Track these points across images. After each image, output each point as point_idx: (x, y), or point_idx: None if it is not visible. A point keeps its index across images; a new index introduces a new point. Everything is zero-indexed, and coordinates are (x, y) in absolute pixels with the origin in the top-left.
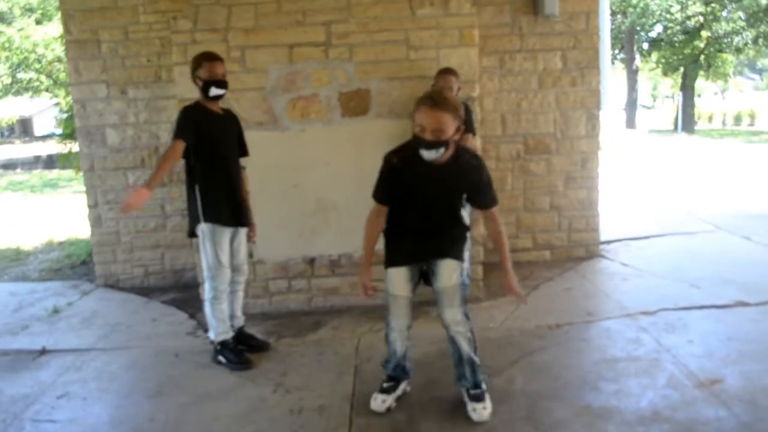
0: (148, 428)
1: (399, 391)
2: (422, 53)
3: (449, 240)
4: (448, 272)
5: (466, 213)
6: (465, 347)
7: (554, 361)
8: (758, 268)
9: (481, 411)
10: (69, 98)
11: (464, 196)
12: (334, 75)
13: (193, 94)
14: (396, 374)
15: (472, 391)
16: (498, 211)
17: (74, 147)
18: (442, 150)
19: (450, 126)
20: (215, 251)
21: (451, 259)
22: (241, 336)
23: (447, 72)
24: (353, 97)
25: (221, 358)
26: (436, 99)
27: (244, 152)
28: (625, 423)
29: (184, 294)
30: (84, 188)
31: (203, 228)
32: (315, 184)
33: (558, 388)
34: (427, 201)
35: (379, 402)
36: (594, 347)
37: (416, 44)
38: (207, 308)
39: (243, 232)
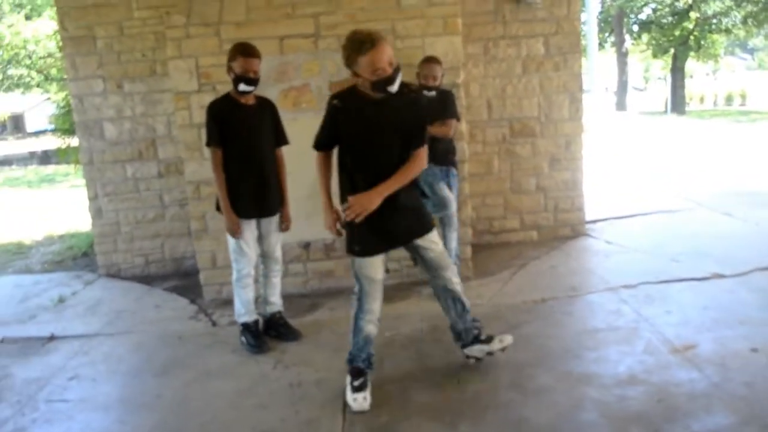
0: (155, 404)
1: (370, 385)
2: (408, 42)
3: (413, 212)
4: (429, 243)
5: (452, 195)
6: (465, 298)
7: (539, 333)
8: (735, 242)
9: (506, 337)
10: (62, 94)
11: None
12: (323, 65)
13: (187, 87)
14: (364, 366)
15: (483, 336)
16: (424, 153)
17: (72, 142)
18: (400, 75)
19: (391, 52)
20: (237, 240)
21: (422, 236)
22: (272, 321)
23: (431, 60)
24: (343, 86)
25: (243, 339)
26: (373, 38)
27: (281, 141)
28: (604, 386)
29: (185, 281)
30: (83, 181)
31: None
32: (308, 170)
33: (542, 357)
34: (379, 142)
35: (361, 400)
36: (577, 319)
37: (402, 33)
38: (233, 289)
39: (271, 220)
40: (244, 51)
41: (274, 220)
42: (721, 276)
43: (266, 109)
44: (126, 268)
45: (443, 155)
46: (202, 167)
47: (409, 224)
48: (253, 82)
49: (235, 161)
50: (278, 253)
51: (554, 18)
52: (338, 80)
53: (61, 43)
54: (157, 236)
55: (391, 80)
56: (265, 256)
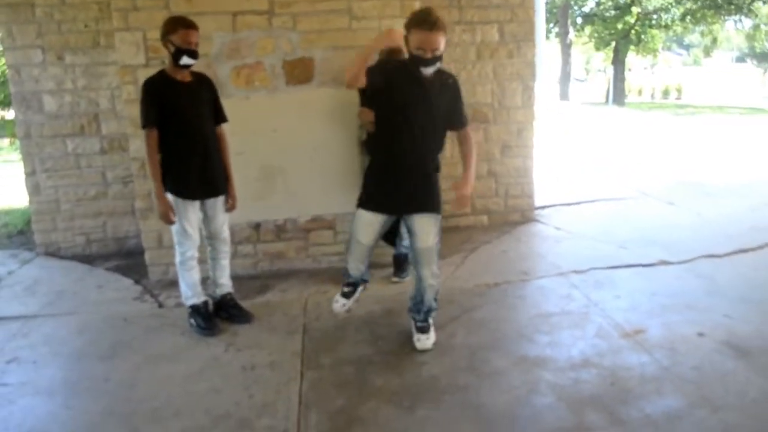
0: (103, 388)
1: (357, 294)
2: (364, 23)
3: (429, 185)
4: (427, 231)
5: None
6: (429, 297)
7: (493, 317)
8: (680, 230)
9: (425, 341)
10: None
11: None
12: (278, 43)
13: (133, 60)
14: (355, 281)
15: (419, 324)
16: (471, 132)
17: (7, 114)
18: (438, 64)
19: (443, 44)
20: (180, 221)
21: (429, 213)
22: (222, 303)
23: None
24: (297, 65)
25: (192, 321)
26: (433, 22)
27: (220, 118)
28: (558, 369)
29: (128, 261)
30: (20, 156)
31: (169, 197)
32: (260, 150)
33: (496, 340)
34: (417, 115)
35: (340, 305)
36: (529, 303)
37: (358, 14)
38: (178, 272)
39: (217, 200)
40: (185, 22)
41: (220, 200)
42: (668, 263)
43: (204, 85)
44: (66, 247)
45: None
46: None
47: (414, 196)
48: (195, 54)
49: (177, 141)
50: (226, 233)
51: (509, 5)
52: (292, 59)
53: None
54: (99, 215)
55: (425, 62)
56: (212, 238)
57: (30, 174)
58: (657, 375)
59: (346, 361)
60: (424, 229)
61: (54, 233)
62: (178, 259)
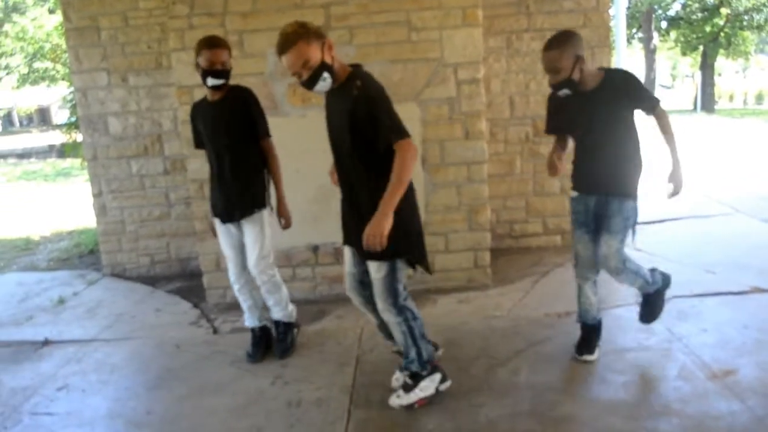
0: (144, 421)
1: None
2: (424, 34)
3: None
4: (373, 266)
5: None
6: (397, 337)
7: (562, 352)
8: None
9: (394, 398)
10: None
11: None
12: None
13: (190, 80)
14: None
15: (407, 380)
16: (405, 147)
17: (78, 136)
18: (326, 75)
19: (309, 53)
20: (220, 243)
21: (372, 261)
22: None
23: (544, 48)
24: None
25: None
26: (280, 41)
27: (256, 134)
28: (633, 417)
29: (190, 283)
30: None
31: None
32: (317, 170)
33: (565, 380)
34: (332, 142)
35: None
36: (604, 336)
37: (418, 25)
38: None
39: (248, 227)
40: (208, 43)
41: (249, 227)
42: (762, 290)
43: (230, 101)
44: (131, 268)
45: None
46: (205, 165)
47: (357, 231)
48: (221, 74)
49: (209, 164)
50: (256, 265)
51: (582, 10)
52: None
53: (65, 35)
54: (163, 235)
55: (306, 84)
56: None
57: (97, 195)
58: (750, 427)
59: None
60: (371, 265)
61: (120, 254)
62: None
